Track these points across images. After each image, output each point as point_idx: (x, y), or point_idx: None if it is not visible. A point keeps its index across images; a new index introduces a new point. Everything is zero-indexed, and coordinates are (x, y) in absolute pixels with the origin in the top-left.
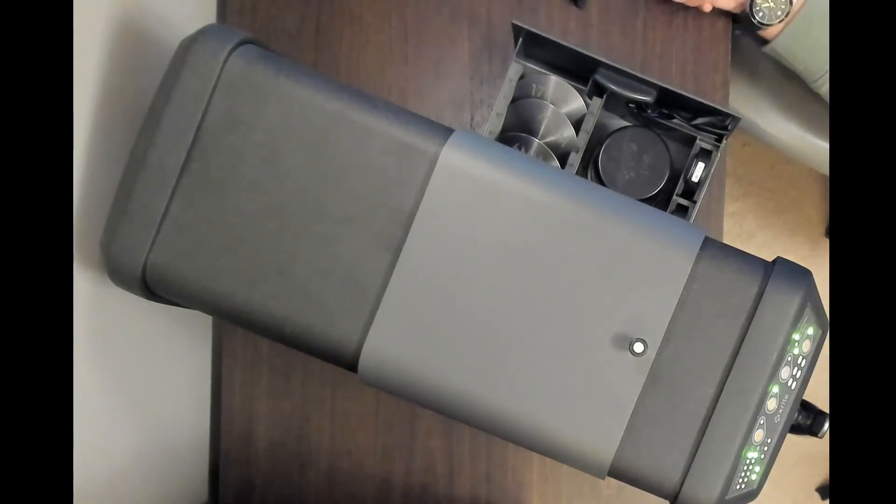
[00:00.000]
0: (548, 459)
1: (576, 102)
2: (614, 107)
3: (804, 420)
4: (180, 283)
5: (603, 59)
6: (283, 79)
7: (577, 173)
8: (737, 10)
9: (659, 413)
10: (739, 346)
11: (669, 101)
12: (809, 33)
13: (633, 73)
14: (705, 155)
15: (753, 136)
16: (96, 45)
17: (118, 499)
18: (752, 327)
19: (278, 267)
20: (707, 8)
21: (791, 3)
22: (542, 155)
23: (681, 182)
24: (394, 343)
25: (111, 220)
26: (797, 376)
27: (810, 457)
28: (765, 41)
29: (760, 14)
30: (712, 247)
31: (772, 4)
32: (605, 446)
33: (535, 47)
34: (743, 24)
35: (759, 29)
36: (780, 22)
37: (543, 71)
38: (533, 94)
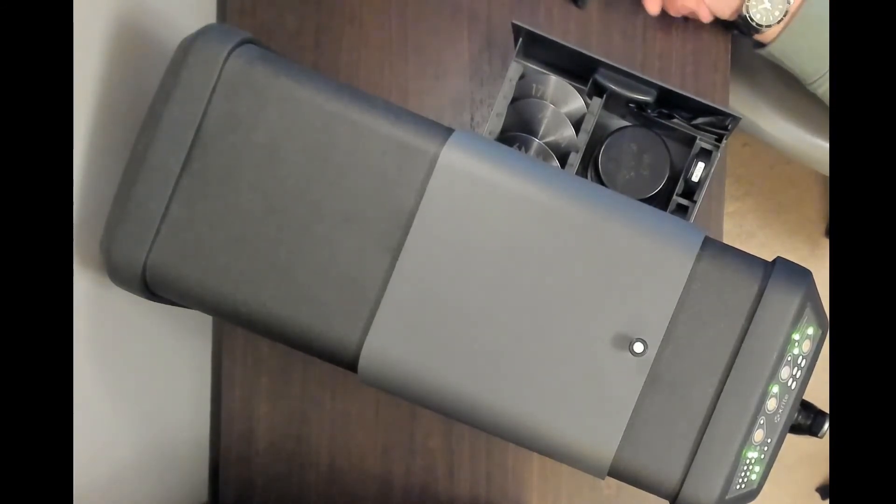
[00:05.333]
0: (548, 459)
1: (576, 102)
2: (614, 107)
3: (804, 420)
4: (180, 283)
5: (603, 59)
6: (283, 79)
7: (577, 173)
8: (732, 17)
9: (659, 413)
10: (739, 346)
11: (669, 101)
12: (806, 36)
13: (633, 73)
14: (705, 155)
15: (753, 136)
16: (96, 45)
17: (118, 499)
18: (752, 327)
19: (278, 267)
20: (707, 18)
21: (789, 3)
22: (542, 155)
23: (681, 182)
24: (394, 343)
25: (111, 220)
26: (797, 376)
27: (810, 457)
28: (760, 44)
29: (758, 16)
30: (712, 247)
31: (768, 6)
32: (605, 446)
33: (535, 47)
34: (739, 28)
35: (757, 32)
36: (777, 24)
37: (543, 71)
38: (533, 94)
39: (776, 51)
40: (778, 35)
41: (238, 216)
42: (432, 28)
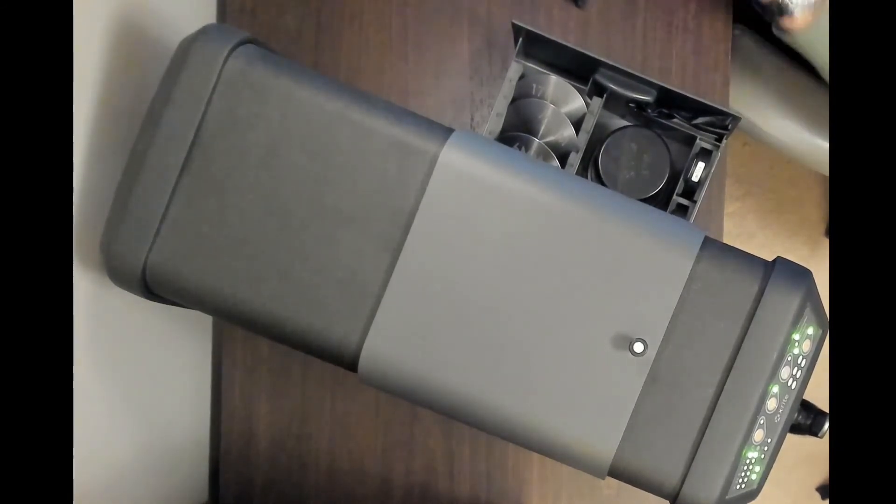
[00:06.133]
0: (548, 459)
1: (576, 102)
2: (614, 107)
3: (804, 420)
4: (180, 283)
5: (603, 59)
6: (283, 79)
7: (577, 173)
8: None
9: (659, 413)
10: (739, 346)
11: (669, 101)
12: None
13: (633, 72)
14: (705, 155)
15: (753, 137)
16: (96, 45)
17: (118, 499)
18: (752, 327)
19: (278, 267)
20: None
21: None
22: (542, 155)
23: (681, 182)
24: (394, 343)
25: (111, 220)
26: (797, 376)
27: (810, 457)
28: (780, 28)
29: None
30: (712, 247)
31: None
32: (605, 446)
33: (535, 47)
34: (768, 9)
35: (787, 14)
36: (809, 10)
37: (543, 71)
38: (533, 94)
39: (803, 40)
40: (808, 24)
41: (238, 216)
42: (432, 28)
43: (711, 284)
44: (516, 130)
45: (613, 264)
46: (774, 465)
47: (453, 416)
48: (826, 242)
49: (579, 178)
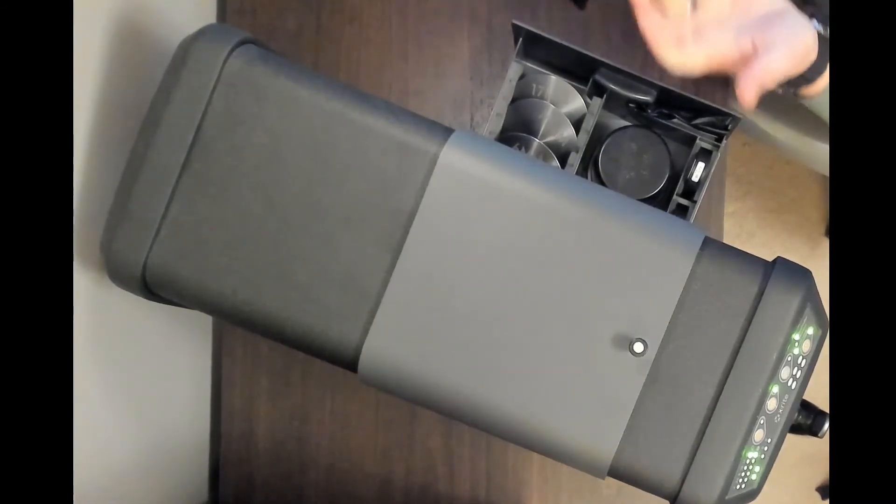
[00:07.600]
0: (548, 459)
1: (576, 102)
2: (614, 107)
3: (804, 420)
4: (180, 283)
5: (603, 59)
6: (283, 79)
7: (577, 173)
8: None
9: (659, 413)
10: (739, 346)
11: (669, 101)
12: None
13: (633, 73)
14: (705, 155)
15: (753, 137)
16: (96, 45)
17: (118, 499)
18: (752, 327)
19: (278, 267)
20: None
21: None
22: (542, 155)
23: (681, 182)
24: (394, 343)
25: (111, 220)
26: (797, 376)
27: (810, 457)
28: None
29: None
30: (712, 247)
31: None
32: (605, 446)
33: (535, 47)
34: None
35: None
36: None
37: (543, 71)
38: (533, 94)
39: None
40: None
41: (238, 216)
42: (432, 28)
43: (711, 284)
44: (516, 130)
45: (613, 264)
46: (774, 465)
47: (453, 416)
48: (826, 242)
49: (579, 178)
